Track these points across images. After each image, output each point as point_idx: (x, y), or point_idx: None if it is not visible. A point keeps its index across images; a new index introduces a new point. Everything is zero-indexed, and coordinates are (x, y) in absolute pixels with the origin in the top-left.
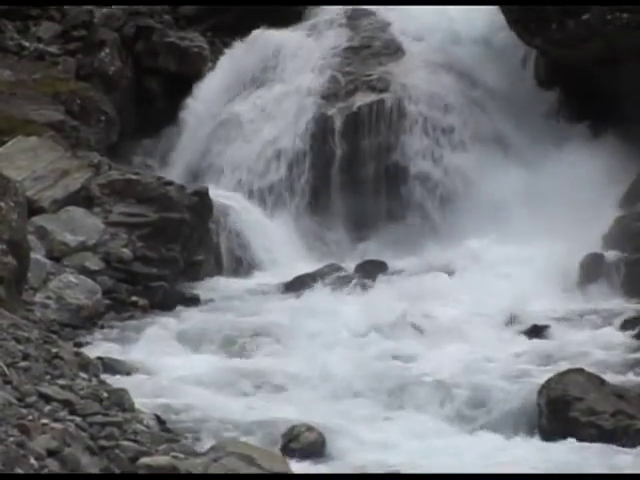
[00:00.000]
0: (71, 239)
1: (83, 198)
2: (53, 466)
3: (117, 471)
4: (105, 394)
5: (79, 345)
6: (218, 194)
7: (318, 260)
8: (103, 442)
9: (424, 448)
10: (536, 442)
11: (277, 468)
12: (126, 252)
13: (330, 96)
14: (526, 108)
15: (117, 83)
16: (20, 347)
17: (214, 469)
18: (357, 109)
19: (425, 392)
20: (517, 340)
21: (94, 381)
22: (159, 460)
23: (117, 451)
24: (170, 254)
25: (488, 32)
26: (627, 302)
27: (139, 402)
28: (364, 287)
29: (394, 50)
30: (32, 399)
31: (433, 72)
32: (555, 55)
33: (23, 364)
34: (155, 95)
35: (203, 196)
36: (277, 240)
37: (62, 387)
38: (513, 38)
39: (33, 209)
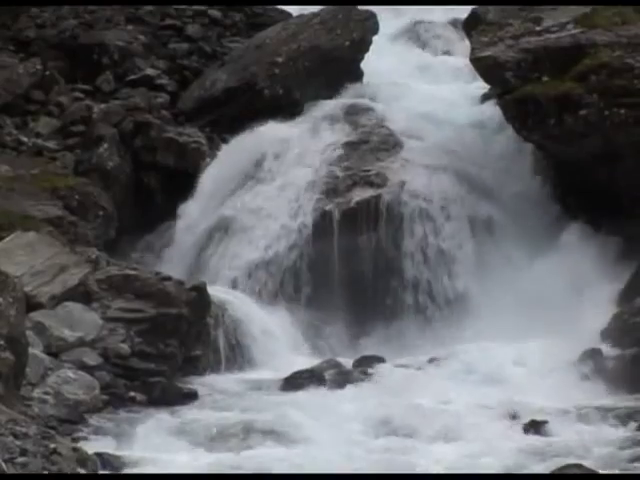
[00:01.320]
0: (69, 335)
1: (81, 293)
2: None
3: None
4: None
5: (77, 440)
6: (216, 289)
7: (317, 355)
8: None
9: None
10: None
11: None
12: (124, 347)
13: (328, 191)
14: (524, 203)
15: (115, 178)
16: (18, 443)
17: None
18: (355, 204)
19: None
20: (515, 435)
21: None
22: None
23: None
24: (168, 349)
25: (487, 128)
26: (626, 397)
27: None
28: (362, 383)
29: (392, 145)
30: None
31: (429, 168)
32: (553, 151)
33: (21, 460)
34: (153, 190)
35: (201, 291)
36: (275, 335)
37: None
38: (511, 133)
39: (31, 304)
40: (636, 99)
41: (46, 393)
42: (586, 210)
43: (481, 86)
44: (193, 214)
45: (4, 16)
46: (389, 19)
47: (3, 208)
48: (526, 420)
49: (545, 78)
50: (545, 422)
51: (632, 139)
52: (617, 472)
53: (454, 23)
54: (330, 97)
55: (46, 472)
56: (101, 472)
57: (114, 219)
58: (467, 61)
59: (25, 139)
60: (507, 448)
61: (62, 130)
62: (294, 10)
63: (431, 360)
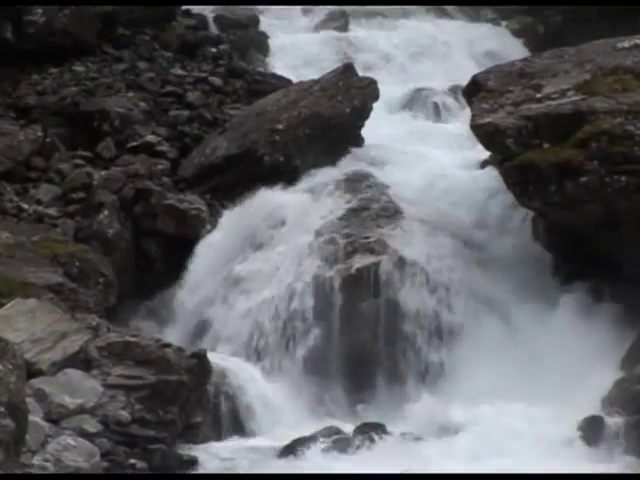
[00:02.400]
0: (70, 402)
1: (81, 360)
2: None
3: None
4: None
5: None
6: (216, 356)
7: (317, 421)
8: None
9: None
10: None
11: None
12: (124, 414)
13: (329, 258)
14: (524, 269)
15: (116, 245)
16: None
17: None
18: (355, 271)
19: None
20: None
21: None
22: None
23: None
24: (168, 416)
25: (487, 195)
26: (628, 464)
27: None
28: (363, 451)
29: (392, 212)
30: None
31: (431, 234)
32: (554, 217)
33: None
34: (154, 257)
35: (201, 358)
36: (275, 402)
37: None
38: (511, 199)
39: (32, 371)
40: (637, 166)
41: (46, 460)
42: (587, 277)
43: (481, 152)
44: (193, 280)
45: (5, 82)
46: (390, 84)
47: (3, 275)
48: None
49: (546, 145)
50: None
51: (633, 206)
52: None
53: (454, 90)
54: (331, 164)
55: None
56: None
57: (114, 286)
58: (467, 128)
59: (26, 206)
60: None
61: (63, 197)
62: (294, 77)
63: (432, 425)
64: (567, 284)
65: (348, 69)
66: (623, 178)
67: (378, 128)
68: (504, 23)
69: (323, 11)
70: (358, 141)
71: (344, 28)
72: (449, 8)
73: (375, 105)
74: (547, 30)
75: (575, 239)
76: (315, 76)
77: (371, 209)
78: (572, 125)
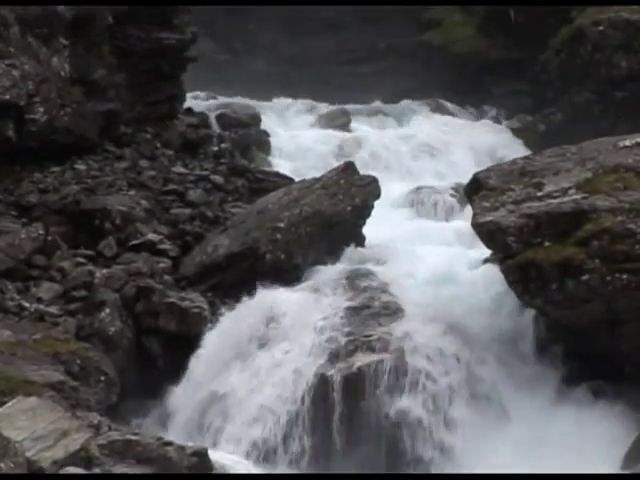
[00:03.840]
0: None
1: (82, 459)
2: None
3: None
4: None
5: None
6: (217, 454)
7: None
8: None
9: None
10: None
11: None
12: None
13: (330, 356)
14: (526, 366)
15: (117, 343)
16: None
17: None
18: (357, 370)
19: None
20: None
21: None
22: None
23: None
24: None
25: (488, 293)
26: None
27: None
28: None
29: (394, 311)
30: None
31: (432, 333)
32: (555, 315)
33: None
34: (155, 355)
35: (202, 456)
36: None
37: None
38: (512, 297)
39: (33, 470)
40: (638, 264)
41: None
42: (589, 374)
43: (483, 250)
44: (195, 378)
45: (6, 180)
46: (391, 182)
47: (4, 373)
48: None
49: (547, 243)
50: None
51: (634, 304)
52: None
53: (456, 188)
54: (332, 262)
55: None
56: None
57: (116, 384)
58: (469, 226)
59: (27, 304)
60: None
61: (64, 295)
62: (295, 174)
63: None
64: (569, 381)
65: (349, 167)
66: (624, 276)
67: (379, 226)
68: (505, 122)
69: (325, 109)
70: (359, 239)
71: (346, 126)
72: (451, 107)
73: (377, 203)
74: (548, 128)
75: (577, 337)
76: (316, 174)
77: (372, 307)
78: (573, 223)
